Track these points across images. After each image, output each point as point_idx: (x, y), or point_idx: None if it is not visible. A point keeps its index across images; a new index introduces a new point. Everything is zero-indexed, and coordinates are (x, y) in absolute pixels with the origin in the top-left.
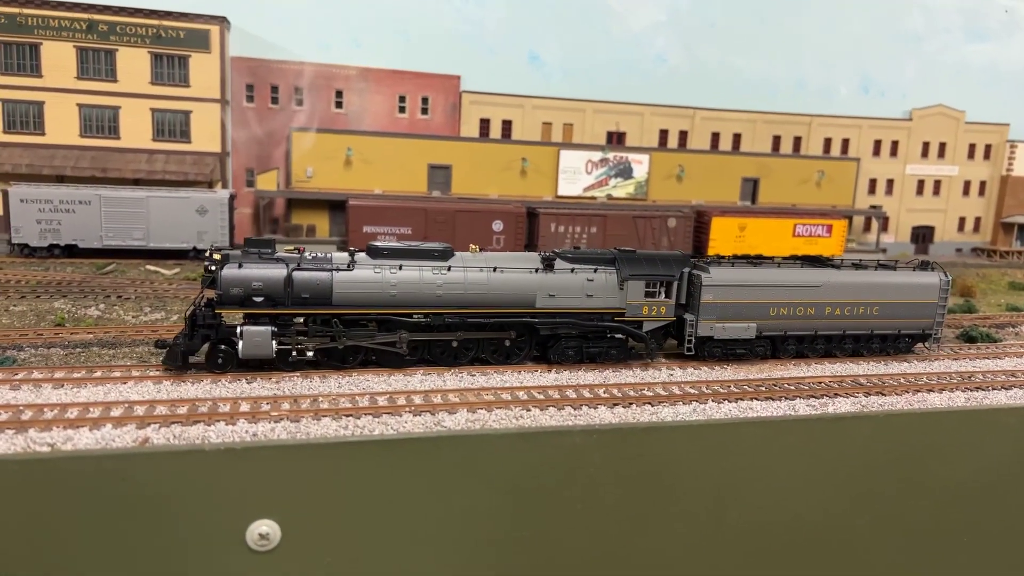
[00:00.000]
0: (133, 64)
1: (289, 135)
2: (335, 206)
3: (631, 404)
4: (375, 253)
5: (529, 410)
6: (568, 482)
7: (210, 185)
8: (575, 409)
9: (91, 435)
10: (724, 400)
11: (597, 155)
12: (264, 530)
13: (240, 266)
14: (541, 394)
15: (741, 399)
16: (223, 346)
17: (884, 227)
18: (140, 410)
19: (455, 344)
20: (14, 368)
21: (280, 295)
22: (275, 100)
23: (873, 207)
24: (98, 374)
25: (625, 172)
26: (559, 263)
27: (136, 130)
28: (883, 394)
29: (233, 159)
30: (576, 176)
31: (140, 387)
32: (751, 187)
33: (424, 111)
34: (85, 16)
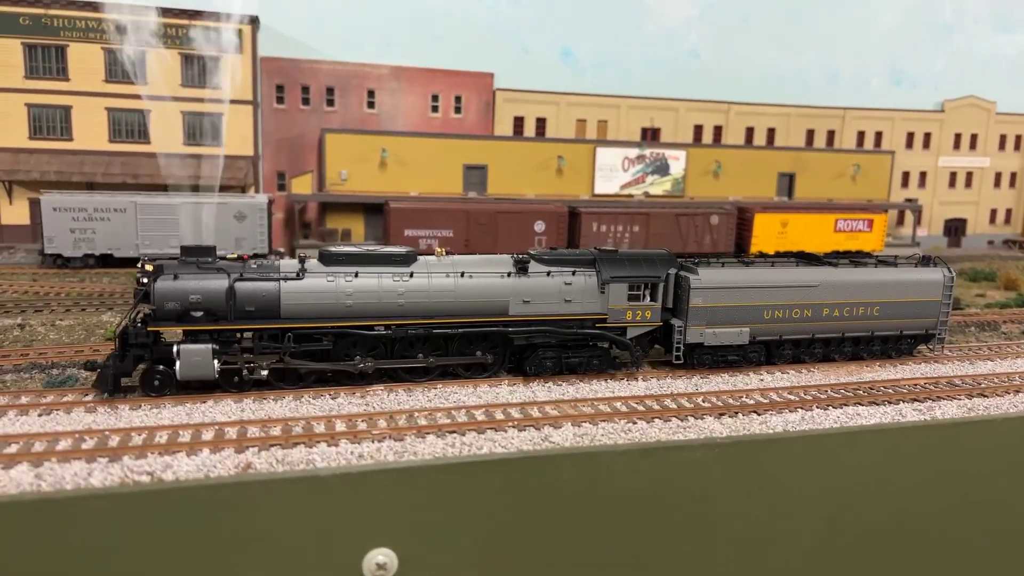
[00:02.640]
0: (163, 66)
1: (322, 137)
2: (370, 209)
3: (737, 413)
4: (328, 259)
5: (635, 423)
6: (690, 498)
7: (243, 190)
8: (681, 420)
9: (190, 462)
10: (828, 407)
11: (634, 152)
12: (381, 560)
13: (176, 277)
14: (640, 404)
15: (845, 405)
16: (161, 367)
17: (917, 220)
18: (232, 432)
19: (420, 356)
20: (81, 388)
21: (222, 309)
22: (306, 101)
23: (908, 200)
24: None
25: (662, 169)
26: (533, 266)
27: (167, 134)
28: (985, 395)
29: (263, 162)
30: (613, 174)
31: (222, 406)
32: (787, 182)
33: (457, 110)
34: (114, 18)
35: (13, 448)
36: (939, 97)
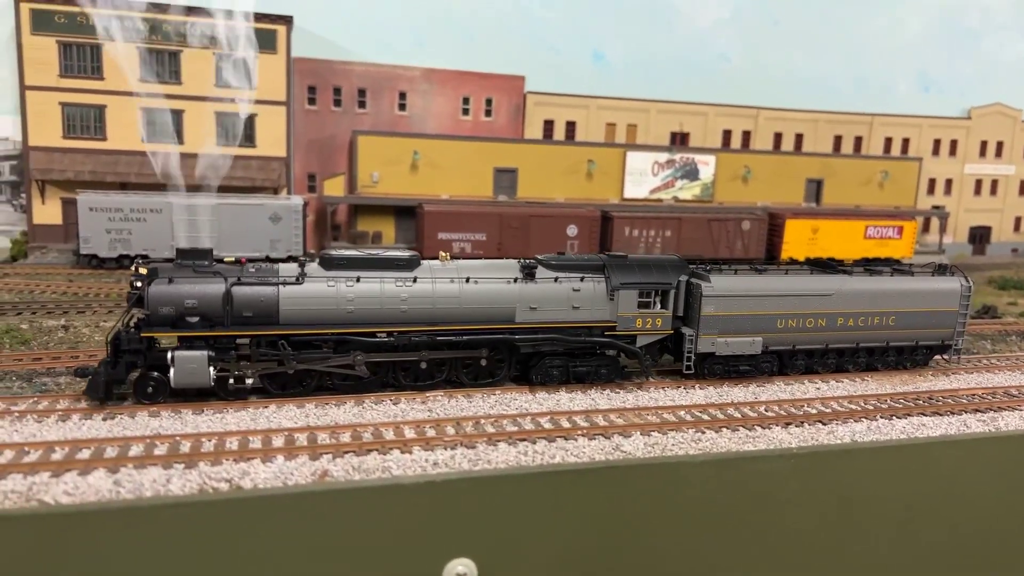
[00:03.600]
0: (197, 66)
1: (353, 139)
2: (401, 212)
3: (802, 423)
4: (329, 263)
5: (703, 432)
6: (766, 508)
7: (275, 191)
8: (749, 430)
9: (267, 469)
10: (892, 416)
11: (664, 156)
12: (461, 570)
13: (170, 281)
14: (704, 413)
15: (909, 415)
16: (155, 373)
17: (943, 228)
18: (302, 438)
19: (424, 366)
20: None
21: (218, 314)
22: (338, 102)
23: (935, 207)
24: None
25: (691, 173)
26: (541, 271)
27: (200, 135)
28: None
29: (294, 164)
30: (642, 178)
31: (285, 412)
32: (815, 188)
33: (488, 113)
34: (149, 16)
35: (86, 453)
36: (966, 103)
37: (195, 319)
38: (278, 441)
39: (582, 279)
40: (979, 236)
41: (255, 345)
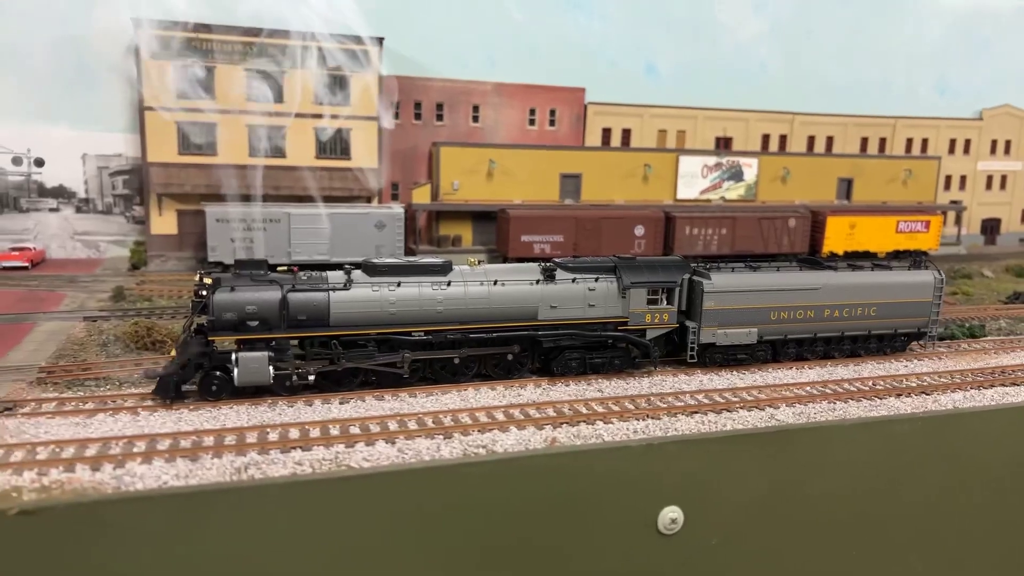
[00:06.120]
0: (298, 85)
1: (435, 150)
2: (478, 217)
3: (910, 394)
4: (372, 270)
5: (835, 404)
6: (896, 466)
7: (369, 200)
8: (870, 400)
9: (508, 437)
10: (981, 387)
11: (712, 160)
12: (673, 515)
13: (232, 289)
14: (827, 389)
15: (993, 386)
16: (218, 373)
17: (958, 220)
18: (517, 413)
19: (457, 361)
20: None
21: (275, 318)
22: (418, 116)
23: (953, 202)
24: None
25: (737, 175)
26: (560, 273)
27: (300, 149)
28: None
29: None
30: (693, 180)
31: (483, 393)
32: (846, 186)
33: (552, 123)
34: (257, 41)
35: (355, 429)
36: (979, 105)
37: (255, 323)
38: (499, 415)
39: (596, 280)
40: (990, 228)
41: (309, 345)
